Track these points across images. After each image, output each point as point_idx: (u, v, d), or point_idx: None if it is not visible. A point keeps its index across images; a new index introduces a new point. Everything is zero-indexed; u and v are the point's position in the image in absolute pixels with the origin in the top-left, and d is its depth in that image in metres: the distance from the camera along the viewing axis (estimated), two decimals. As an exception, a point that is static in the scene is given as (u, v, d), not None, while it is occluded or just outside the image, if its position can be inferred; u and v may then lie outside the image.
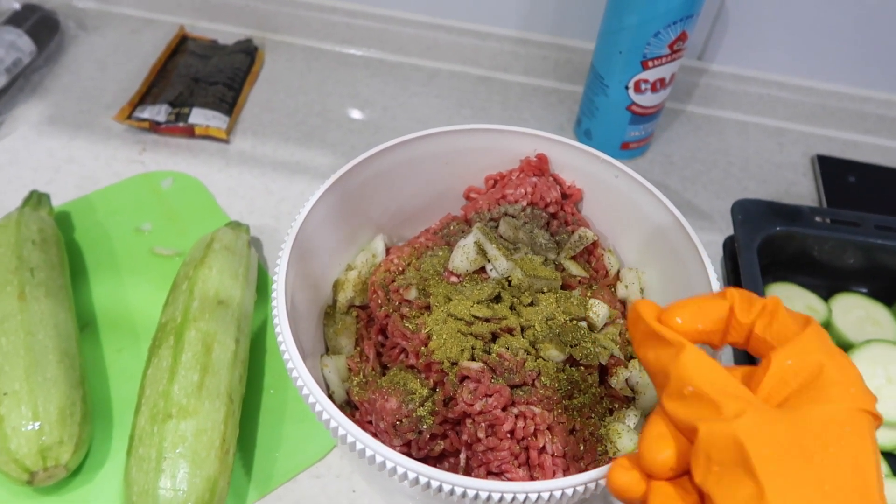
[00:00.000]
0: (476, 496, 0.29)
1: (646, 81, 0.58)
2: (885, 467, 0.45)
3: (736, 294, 0.26)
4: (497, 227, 0.42)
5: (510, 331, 0.36)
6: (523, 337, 0.36)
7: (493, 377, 0.34)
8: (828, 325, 0.52)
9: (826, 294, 0.54)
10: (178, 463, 0.38)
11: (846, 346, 0.50)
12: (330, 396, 0.40)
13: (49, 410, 0.40)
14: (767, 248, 0.51)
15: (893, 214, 0.55)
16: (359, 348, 0.42)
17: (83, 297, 0.51)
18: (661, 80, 0.58)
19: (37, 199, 0.52)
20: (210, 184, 0.60)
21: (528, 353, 0.35)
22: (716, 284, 0.36)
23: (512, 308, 0.37)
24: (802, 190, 0.65)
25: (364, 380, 0.40)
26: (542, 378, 0.35)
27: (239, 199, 0.59)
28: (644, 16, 0.54)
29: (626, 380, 0.39)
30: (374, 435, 0.38)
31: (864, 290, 0.55)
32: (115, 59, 0.71)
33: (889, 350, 0.48)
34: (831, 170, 0.66)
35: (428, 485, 0.29)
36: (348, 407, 0.41)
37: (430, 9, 0.71)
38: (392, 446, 0.36)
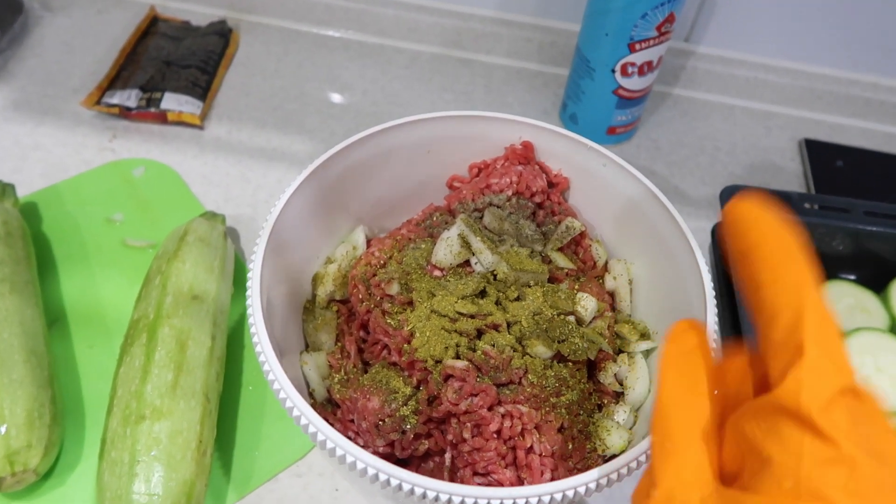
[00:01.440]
0: (462, 503, 0.28)
1: (633, 65, 0.57)
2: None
3: None
4: (482, 217, 0.40)
5: (496, 327, 0.35)
6: (509, 333, 0.35)
7: (478, 376, 0.33)
8: (816, 314, 0.51)
9: (814, 281, 0.53)
10: (152, 466, 0.37)
11: (834, 335, 0.49)
12: (310, 394, 0.39)
13: (16, 413, 0.38)
14: (756, 235, 0.50)
15: (881, 198, 0.55)
16: (339, 344, 0.41)
17: (52, 292, 0.49)
18: (649, 63, 0.57)
19: (1, 190, 0.50)
20: (184, 172, 0.58)
21: (515, 350, 0.34)
22: (707, 276, 0.35)
23: (497, 303, 0.36)
24: (790, 174, 0.64)
25: (345, 377, 0.39)
26: (530, 376, 0.34)
27: (214, 187, 0.57)
28: (631, -3, 0.52)
29: (615, 374, 0.38)
30: (357, 434, 0.36)
31: (853, 278, 0.54)
32: (83, 41, 0.68)
33: (878, 338, 0.48)
34: (819, 154, 0.65)
35: (412, 491, 0.28)
36: (329, 405, 0.39)
37: (410, -11, 0.69)
38: (375, 447, 0.35)
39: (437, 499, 0.28)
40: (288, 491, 0.42)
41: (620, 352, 0.38)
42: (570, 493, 0.28)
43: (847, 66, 0.67)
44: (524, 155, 0.42)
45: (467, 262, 0.37)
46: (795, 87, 0.68)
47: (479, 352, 0.34)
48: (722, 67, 0.68)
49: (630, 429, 0.36)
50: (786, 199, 0.51)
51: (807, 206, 0.52)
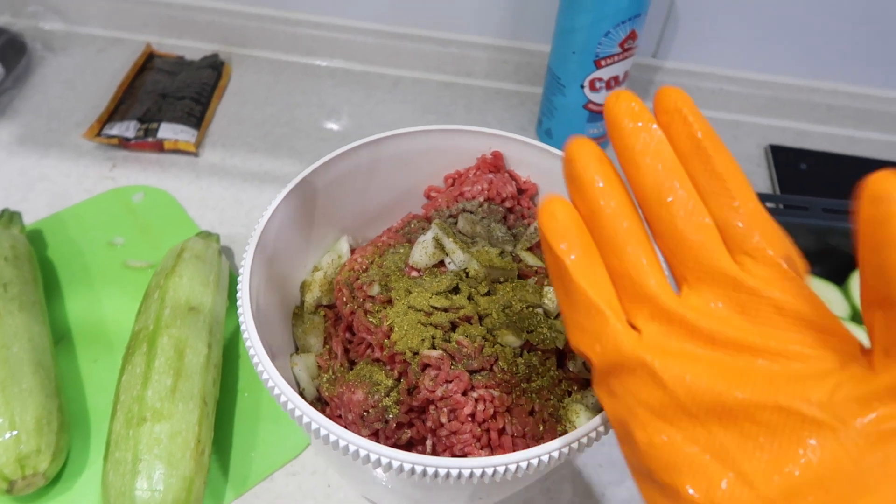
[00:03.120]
0: (447, 474, 0.30)
1: (600, 80, 0.60)
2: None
3: None
4: (456, 223, 0.43)
5: (468, 319, 0.37)
6: (481, 325, 0.38)
7: (452, 364, 0.36)
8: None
9: (781, 276, 0.56)
10: (153, 464, 0.39)
11: (799, 325, 0.52)
12: (301, 394, 0.42)
13: (25, 420, 0.41)
14: (721, 234, 0.53)
15: (844, 197, 0.57)
16: (328, 346, 0.43)
17: (58, 312, 0.52)
18: (615, 78, 0.61)
19: (8, 218, 0.53)
20: (181, 196, 0.61)
21: (486, 340, 0.37)
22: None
23: (470, 298, 0.38)
24: (757, 179, 0.67)
25: (333, 376, 0.41)
26: (500, 363, 0.36)
27: (209, 210, 0.60)
28: (594, 16, 0.56)
29: (584, 363, 0.40)
30: (345, 427, 0.39)
31: (817, 272, 0.57)
32: (83, 79, 0.72)
33: (840, 326, 0.51)
34: (784, 158, 0.68)
35: (401, 468, 0.31)
36: (319, 403, 0.42)
37: (392, 18, 0.73)
38: (360, 436, 0.37)
39: (412, 471, 0.30)
40: (283, 489, 0.45)
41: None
42: (535, 462, 0.30)
43: (808, 75, 0.71)
44: (494, 164, 0.45)
45: (442, 263, 0.40)
46: (760, 97, 0.72)
47: (453, 342, 0.36)
48: (689, 80, 0.72)
49: (599, 411, 0.38)
50: (748, 200, 0.54)
51: (770, 205, 0.55)
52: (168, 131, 0.64)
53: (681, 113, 0.24)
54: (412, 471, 0.31)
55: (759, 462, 0.19)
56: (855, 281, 0.54)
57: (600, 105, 0.62)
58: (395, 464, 0.31)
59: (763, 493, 0.19)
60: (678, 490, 0.20)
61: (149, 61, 0.73)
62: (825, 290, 0.54)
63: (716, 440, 0.20)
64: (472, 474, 0.30)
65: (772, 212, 0.54)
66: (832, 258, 0.55)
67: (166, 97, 0.68)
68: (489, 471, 0.30)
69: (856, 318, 0.53)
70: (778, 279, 0.22)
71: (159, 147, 0.64)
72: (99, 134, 0.64)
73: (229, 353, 0.50)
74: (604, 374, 0.24)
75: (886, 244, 0.18)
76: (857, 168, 0.68)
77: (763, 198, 0.55)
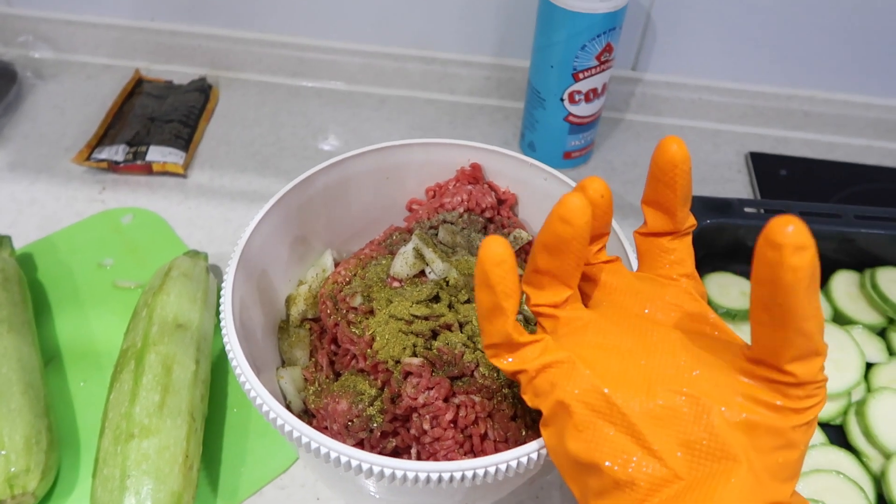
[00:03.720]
0: (427, 478, 0.31)
1: (579, 92, 0.61)
2: (821, 436, 0.47)
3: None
4: (437, 234, 0.44)
5: (448, 327, 0.38)
6: (462, 332, 0.38)
7: (433, 371, 0.37)
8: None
9: (763, 280, 0.57)
10: (141, 480, 0.40)
11: (781, 327, 0.53)
12: (288, 407, 0.42)
13: (14, 439, 0.41)
14: (701, 240, 0.54)
15: (823, 201, 0.59)
16: (313, 359, 0.44)
17: (48, 333, 0.53)
18: (594, 91, 0.62)
19: (-2, 242, 0.54)
20: (169, 217, 0.62)
21: (467, 347, 0.37)
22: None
23: (450, 306, 0.39)
24: (738, 186, 0.68)
25: (319, 388, 0.42)
26: (481, 369, 0.37)
27: (198, 229, 0.61)
28: (569, 31, 0.57)
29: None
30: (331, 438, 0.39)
31: (798, 274, 0.58)
32: (73, 105, 0.73)
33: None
34: (764, 165, 0.69)
35: (381, 474, 0.31)
36: (306, 416, 0.42)
37: (376, 38, 0.74)
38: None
39: (394, 476, 0.30)
40: (272, 502, 0.45)
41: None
42: (514, 464, 0.31)
43: (785, 83, 0.73)
44: (473, 175, 0.46)
45: (423, 273, 0.41)
46: (739, 105, 0.73)
47: (434, 350, 0.37)
48: (668, 91, 0.73)
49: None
50: (727, 206, 0.55)
51: (749, 210, 0.56)
52: (157, 154, 0.65)
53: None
54: (393, 476, 0.31)
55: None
56: (836, 282, 0.55)
57: (580, 117, 0.64)
58: (377, 469, 0.31)
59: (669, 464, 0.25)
60: (599, 466, 0.26)
61: (137, 86, 0.74)
62: (806, 292, 0.55)
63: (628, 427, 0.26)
64: (452, 478, 0.31)
65: (747, 216, 0.55)
66: (812, 261, 0.56)
67: (155, 121, 0.69)
68: (469, 474, 0.30)
69: (837, 318, 0.54)
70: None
71: (148, 169, 0.65)
72: (89, 158, 0.65)
73: (218, 370, 0.50)
74: (527, 381, 0.30)
75: (773, 282, 0.23)
76: (837, 172, 0.69)
77: (739, 202, 0.56)
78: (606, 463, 0.26)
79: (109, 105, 0.72)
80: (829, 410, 0.49)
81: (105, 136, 0.68)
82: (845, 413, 0.49)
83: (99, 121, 0.70)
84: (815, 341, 0.24)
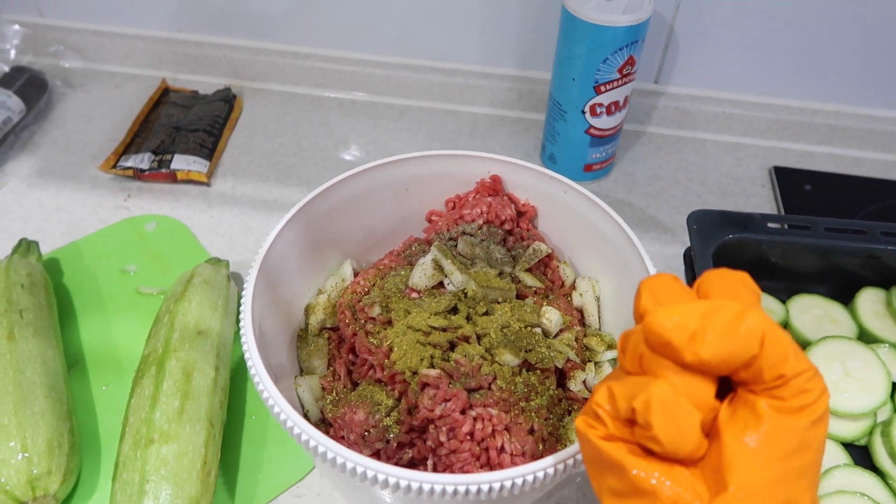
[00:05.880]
0: (443, 491, 0.31)
1: (600, 105, 0.61)
2: (845, 457, 0.46)
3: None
4: (456, 245, 0.44)
5: (466, 339, 0.38)
6: (480, 344, 0.38)
7: (450, 382, 0.36)
8: (785, 325, 0.54)
9: (786, 297, 0.56)
10: (160, 485, 0.40)
11: (804, 344, 0.52)
12: (305, 416, 0.42)
13: (37, 442, 0.42)
14: (723, 255, 0.53)
15: (849, 217, 0.58)
16: (331, 368, 0.44)
17: (72, 337, 0.53)
18: (616, 104, 0.62)
19: (26, 247, 0.55)
20: (192, 225, 0.63)
21: (484, 359, 0.37)
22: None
23: (468, 318, 0.39)
24: (761, 200, 0.67)
25: (336, 397, 0.42)
26: (499, 381, 0.37)
27: (220, 237, 0.62)
28: (591, 44, 0.57)
29: (584, 382, 0.41)
30: (348, 448, 0.39)
31: (823, 291, 0.57)
32: (101, 113, 0.74)
33: (846, 345, 0.50)
34: (788, 180, 0.68)
35: (397, 486, 0.31)
36: (323, 425, 0.42)
37: (398, 50, 0.75)
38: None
39: (409, 488, 0.30)
40: (288, 511, 0.45)
41: (588, 361, 0.41)
42: (531, 479, 0.30)
43: (810, 97, 0.72)
44: (493, 187, 0.46)
45: (441, 284, 0.41)
46: (762, 119, 0.73)
47: (451, 361, 0.37)
48: (691, 104, 0.73)
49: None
50: (749, 221, 0.55)
51: (771, 225, 0.56)
52: (181, 162, 0.66)
53: None
54: (409, 488, 0.31)
55: None
56: (861, 300, 0.54)
57: (602, 130, 0.63)
58: (393, 481, 0.31)
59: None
60: (626, 469, 0.25)
61: (164, 96, 0.76)
62: (831, 310, 0.54)
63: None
64: (468, 491, 0.30)
65: (769, 231, 0.54)
66: (837, 278, 0.55)
67: (180, 130, 0.70)
68: (485, 487, 0.30)
69: (863, 337, 0.53)
70: None
71: (172, 177, 0.66)
72: (115, 166, 0.66)
73: (238, 377, 0.51)
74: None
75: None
76: (862, 187, 0.68)
77: (762, 217, 0.55)
78: (634, 471, 0.25)
79: (136, 114, 0.73)
80: (853, 430, 0.48)
81: (131, 145, 0.69)
82: (870, 433, 0.48)
83: (126, 129, 0.71)
84: (779, 349, 0.24)
